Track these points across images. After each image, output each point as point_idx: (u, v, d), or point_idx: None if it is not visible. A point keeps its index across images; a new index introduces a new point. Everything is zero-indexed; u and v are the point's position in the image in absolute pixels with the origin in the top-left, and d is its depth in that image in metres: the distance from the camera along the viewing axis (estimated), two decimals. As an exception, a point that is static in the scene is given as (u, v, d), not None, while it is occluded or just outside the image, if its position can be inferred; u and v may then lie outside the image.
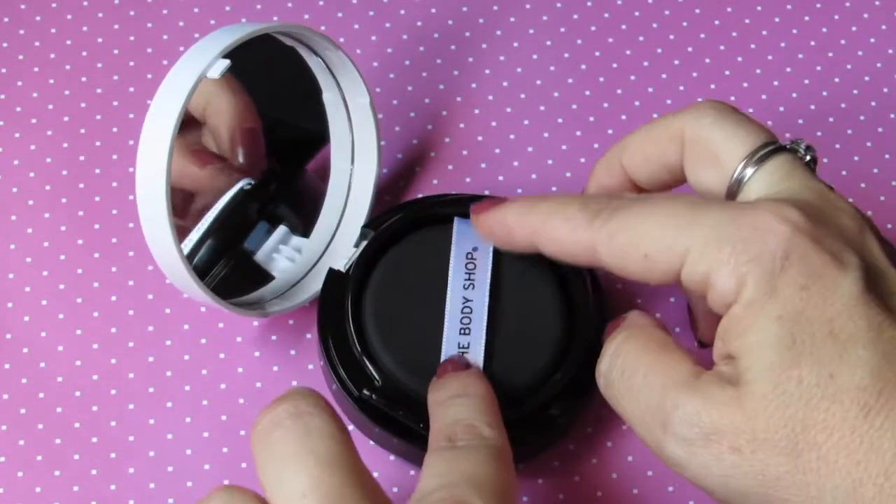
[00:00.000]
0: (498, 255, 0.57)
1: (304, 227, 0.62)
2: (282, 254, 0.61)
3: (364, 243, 0.59)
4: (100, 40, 0.68)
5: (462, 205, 0.58)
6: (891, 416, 0.44)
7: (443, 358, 0.55)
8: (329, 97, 0.61)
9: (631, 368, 0.49)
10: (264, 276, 0.60)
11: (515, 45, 0.68)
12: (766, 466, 0.45)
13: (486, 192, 0.64)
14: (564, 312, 0.57)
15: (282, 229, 0.61)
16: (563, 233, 0.50)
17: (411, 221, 0.59)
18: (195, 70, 0.52)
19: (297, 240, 0.61)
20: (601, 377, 0.51)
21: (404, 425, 0.55)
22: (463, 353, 0.55)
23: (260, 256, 0.60)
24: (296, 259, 0.61)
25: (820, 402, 0.44)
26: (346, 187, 0.62)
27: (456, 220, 0.58)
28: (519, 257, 0.56)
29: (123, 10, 0.68)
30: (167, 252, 0.53)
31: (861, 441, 0.44)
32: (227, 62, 0.53)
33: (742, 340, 0.46)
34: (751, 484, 0.45)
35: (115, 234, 0.63)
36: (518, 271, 0.57)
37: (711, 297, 0.47)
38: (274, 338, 0.61)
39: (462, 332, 0.56)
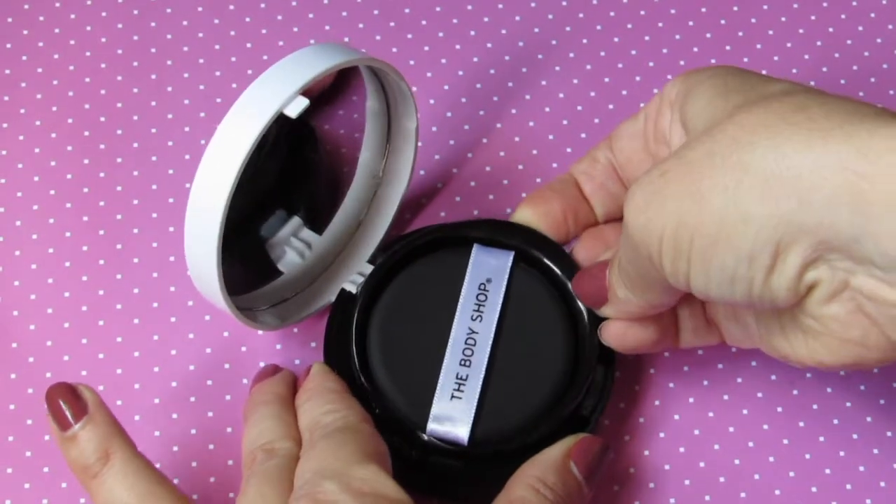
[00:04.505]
0: (510, 289, 0.57)
1: (319, 225, 0.62)
2: (292, 246, 0.61)
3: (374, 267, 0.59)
4: (103, 40, 0.67)
5: (479, 228, 0.59)
6: None
7: (438, 388, 0.56)
8: (373, 106, 0.60)
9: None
10: (270, 272, 0.61)
11: (557, 69, 0.67)
12: None
13: (508, 211, 0.64)
14: (570, 350, 0.57)
15: (296, 220, 0.61)
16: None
17: (425, 245, 0.59)
18: (273, 104, 0.51)
19: (309, 233, 0.61)
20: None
21: (399, 451, 0.55)
22: (460, 384, 0.56)
23: (272, 244, 0.61)
24: (305, 256, 0.61)
25: None
26: (368, 197, 0.62)
27: (475, 247, 0.58)
28: (531, 294, 0.57)
29: (126, 9, 0.68)
30: (207, 271, 0.54)
31: None
32: (306, 101, 0.52)
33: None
34: None
35: (120, 241, 0.63)
36: (529, 307, 0.57)
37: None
38: (278, 346, 0.61)
39: (462, 363, 0.56)
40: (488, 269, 0.58)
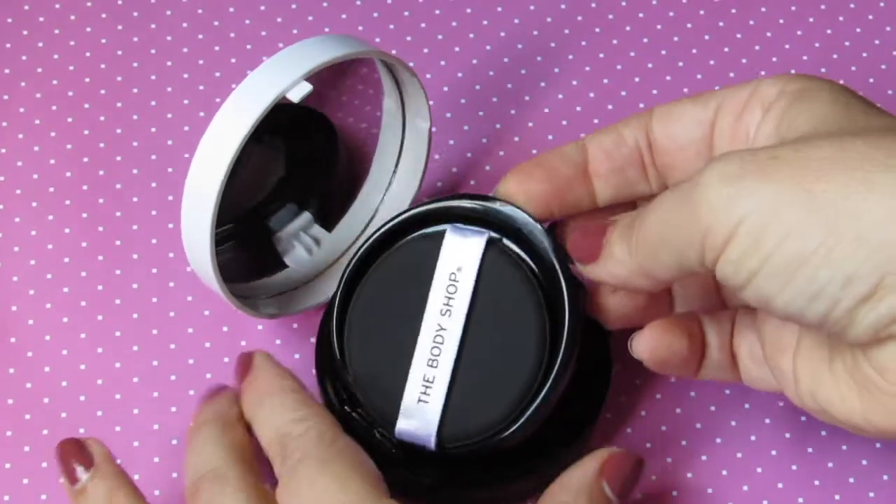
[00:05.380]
0: (482, 277, 0.53)
1: (330, 222, 0.62)
2: (301, 241, 0.60)
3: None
4: (103, 41, 0.68)
5: (452, 208, 0.54)
6: None
7: (406, 391, 0.52)
8: (389, 104, 0.60)
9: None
10: (276, 263, 0.60)
11: (556, 70, 0.67)
12: None
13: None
14: (544, 345, 0.52)
15: (306, 215, 0.61)
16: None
17: (399, 229, 0.55)
18: (275, 88, 0.51)
19: (318, 229, 0.61)
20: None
21: (380, 447, 0.54)
22: (427, 387, 0.52)
23: (280, 237, 0.60)
24: (313, 251, 0.61)
25: None
26: (379, 196, 0.62)
27: (449, 228, 0.54)
28: (505, 282, 0.53)
29: (126, 11, 0.68)
30: (200, 254, 0.53)
31: None
32: (309, 87, 0.52)
33: None
34: None
35: (119, 237, 0.63)
36: (501, 297, 0.53)
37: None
38: (278, 342, 0.61)
39: (430, 363, 0.52)
40: (459, 255, 0.53)
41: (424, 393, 0.52)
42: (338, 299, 0.55)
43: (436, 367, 0.52)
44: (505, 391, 0.52)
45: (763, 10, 0.69)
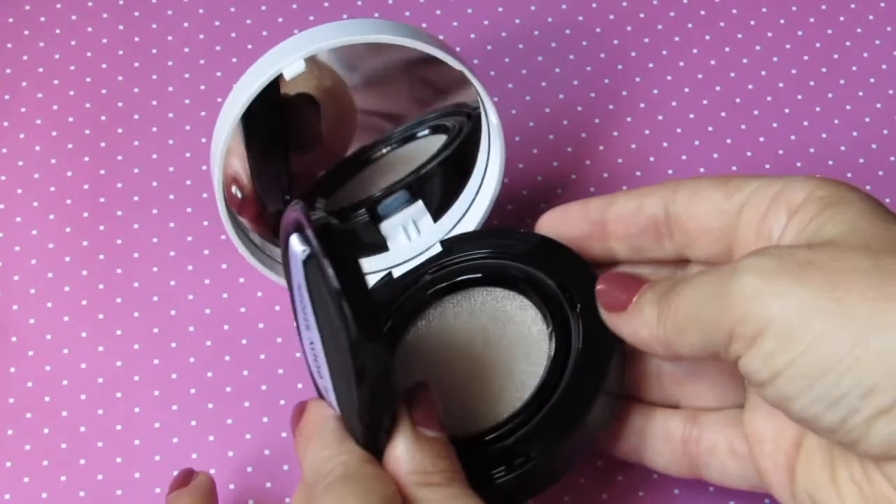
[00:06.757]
0: (311, 293, 0.47)
1: (439, 214, 0.61)
2: (407, 227, 0.60)
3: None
4: (104, 41, 0.68)
5: (294, 218, 0.48)
6: None
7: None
8: (477, 102, 0.60)
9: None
10: (376, 247, 0.61)
11: (557, 70, 0.68)
12: None
13: (509, 207, 0.64)
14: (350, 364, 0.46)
15: (419, 204, 0.61)
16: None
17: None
18: (273, 66, 0.53)
19: (426, 220, 0.61)
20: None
21: None
22: (326, 396, 0.51)
23: (387, 222, 0.60)
24: (412, 238, 0.60)
25: None
26: (474, 191, 0.61)
27: (292, 238, 0.47)
28: (322, 297, 0.46)
29: (128, 10, 0.68)
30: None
31: None
32: (301, 67, 0.53)
33: None
34: None
35: (120, 236, 0.63)
36: (324, 311, 0.47)
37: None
38: (279, 340, 0.61)
39: (318, 374, 0.50)
40: (296, 268, 0.47)
41: (329, 402, 0.51)
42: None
43: (323, 378, 0.50)
44: (347, 403, 0.49)
45: (764, 10, 0.69)
